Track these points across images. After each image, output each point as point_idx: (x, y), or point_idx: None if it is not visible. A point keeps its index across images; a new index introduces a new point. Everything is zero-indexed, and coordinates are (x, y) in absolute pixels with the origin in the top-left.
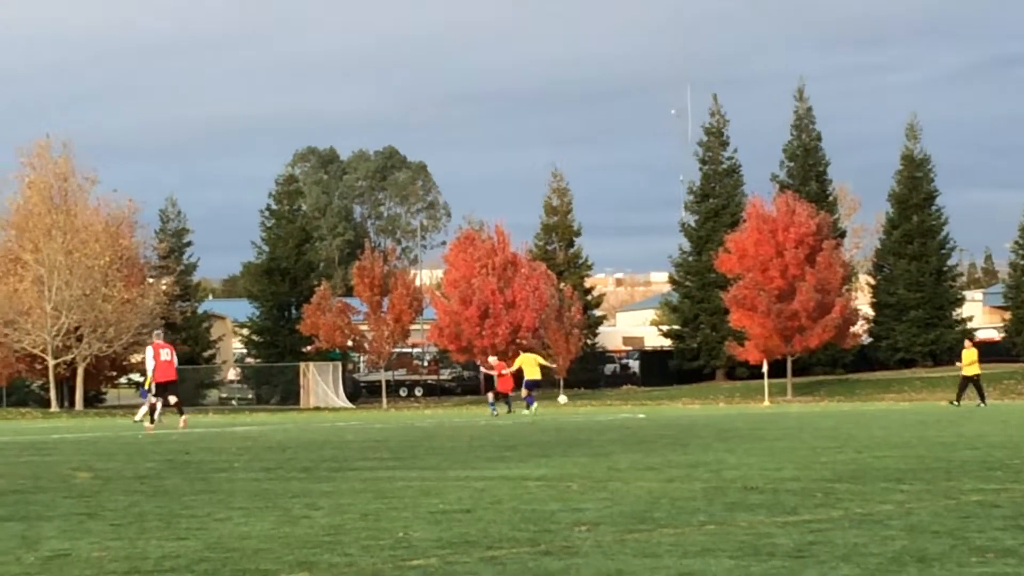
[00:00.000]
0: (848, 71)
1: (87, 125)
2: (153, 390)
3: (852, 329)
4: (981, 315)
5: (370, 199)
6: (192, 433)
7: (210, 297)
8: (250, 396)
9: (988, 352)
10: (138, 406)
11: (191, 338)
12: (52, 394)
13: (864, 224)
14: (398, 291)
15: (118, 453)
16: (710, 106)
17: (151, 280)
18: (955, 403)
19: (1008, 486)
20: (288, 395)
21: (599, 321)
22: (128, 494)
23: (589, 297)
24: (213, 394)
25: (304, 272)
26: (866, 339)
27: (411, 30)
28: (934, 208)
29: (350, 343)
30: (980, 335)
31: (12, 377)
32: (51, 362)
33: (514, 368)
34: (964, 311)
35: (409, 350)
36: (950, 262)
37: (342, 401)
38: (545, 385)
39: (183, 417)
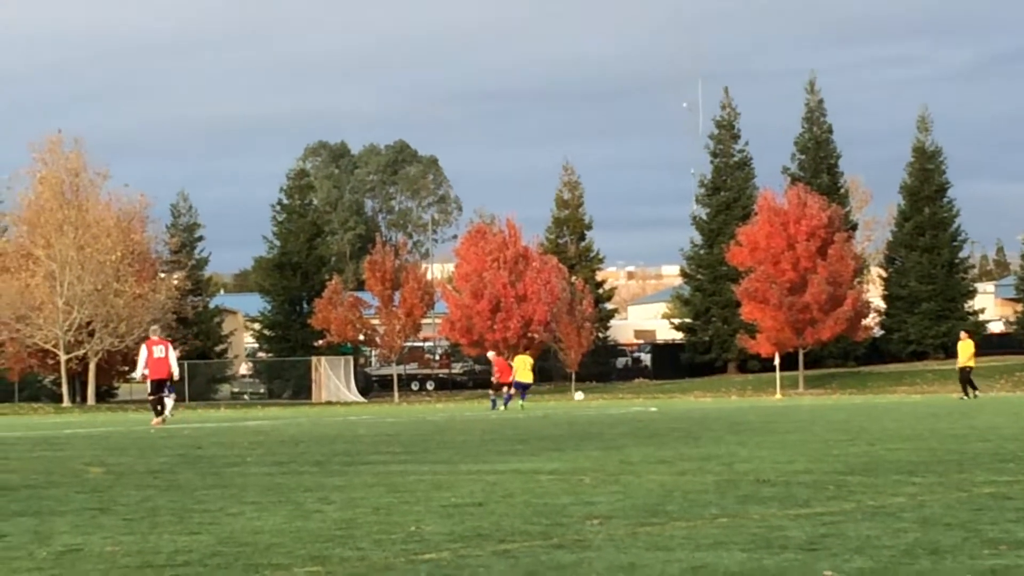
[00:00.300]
0: (859, 65)
1: (97, 123)
2: (149, 387)
3: (864, 322)
4: (993, 307)
5: (381, 193)
6: (204, 428)
7: (222, 292)
8: (262, 390)
9: (1000, 344)
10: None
11: (203, 333)
12: (64, 389)
13: (876, 216)
14: (409, 285)
15: (130, 448)
16: (721, 100)
17: (163, 275)
18: (964, 397)
19: (1021, 478)
20: (300, 389)
21: (611, 314)
22: (140, 489)
23: (600, 291)
24: (225, 389)
25: (315, 266)
26: (878, 332)
27: (422, 28)
28: (946, 200)
29: (362, 337)
30: (991, 328)
31: (24, 372)
32: (63, 357)
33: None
34: (976, 303)
35: (421, 344)
36: (962, 254)
37: (354, 395)
38: (558, 379)
39: (160, 417)
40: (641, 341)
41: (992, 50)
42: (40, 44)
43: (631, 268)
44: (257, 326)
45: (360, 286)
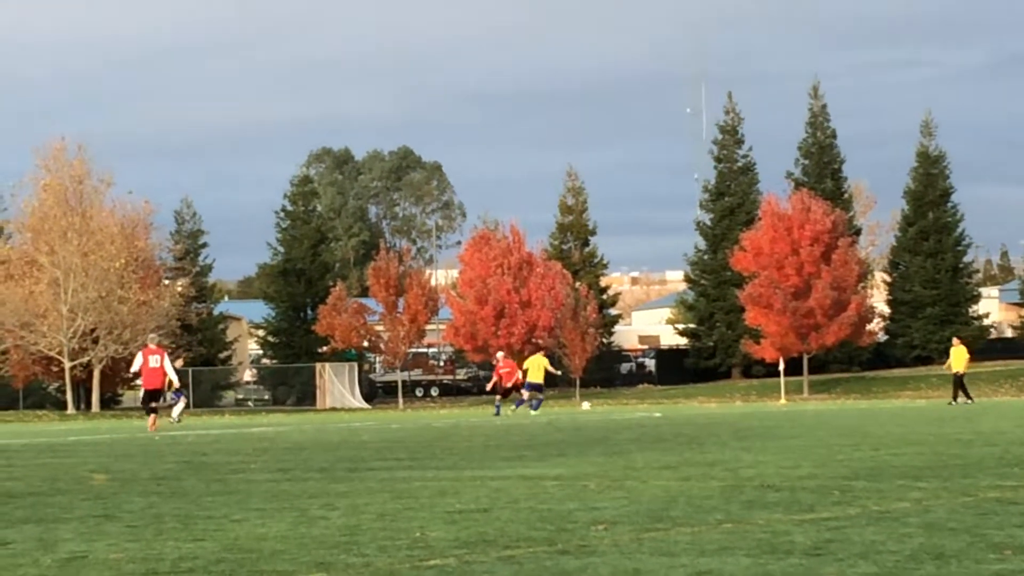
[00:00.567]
0: (863, 68)
1: (101, 129)
2: (142, 396)
3: (868, 327)
4: (997, 312)
5: (385, 199)
6: (208, 434)
7: (226, 298)
8: (266, 397)
9: (1005, 349)
10: (170, 407)
11: (207, 339)
12: (68, 396)
13: (879, 221)
14: (414, 291)
15: (135, 455)
16: (725, 104)
17: (167, 282)
18: (969, 400)
19: None
20: (304, 396)
21: (615, 320)
22: (145, 496)
23: (605, 296)
24: (229, 395)
25: (319, 273)
26: (882, 336)
27: (426, 33)
28: (949, 205)
29: (366, 343)
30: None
31: (29, 379)
32: (67, 364)
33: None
34: (980, 308)
35: (425, 350)
36: (966, 259)
37: (358, 402)
38: (563, 385)
39: (154, 422)
40: (645, 347)
41: (996, 54)
42: (44, 50)
43: (635, 274)
44: (261, 332)
45: (364, 292)
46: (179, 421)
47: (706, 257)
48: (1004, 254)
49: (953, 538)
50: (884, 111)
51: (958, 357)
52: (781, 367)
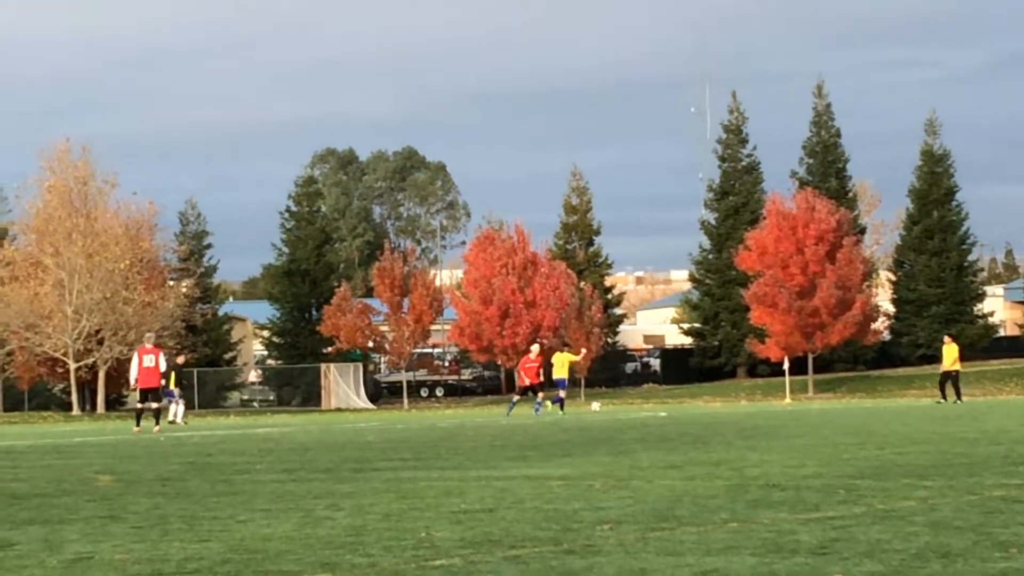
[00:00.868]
0: (867, 68)
1: (105, 131)
2: (137, 395)
3: (873, 325)
4: (1002, 310)
5: (389, 200)
6: (213, 435)
7: (230, 299)
8: (271, 398)
9: (1010, 348)
10: (164, 409)
11: (212, 340)
12: (74, 397)
13: (884, 220)
14: (418, 291)
15: (140, 456)
16: (729, 104)
17: (171, 283)
18: (958, 400)
19: None
20: (309, 396)
21: (619, 320)
22: (150, 496)
23: (609, 296)
24: (234, 396)
25: (324, 273)
26: (887, 335)
27: (430, 34)
28: (954, 203)
29: (371, 344)
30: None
31: (34, 381)
32: (72, 365)
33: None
34: (985, 306)
35: (430, 350)
36: (970, 257)
37: (363, 402)
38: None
39: (157, 427)
40: (650, 346)
41: (1001, 52)
42: (47, 52)
43: (640, 273)
44: (266, 333)
45: (369, 293)
46: (184, 423)
47: (711, 256)
48: (1008, 252)
49: (959, 537)
50: (887, 111)
51: (949, 354)
52: (786, 366)
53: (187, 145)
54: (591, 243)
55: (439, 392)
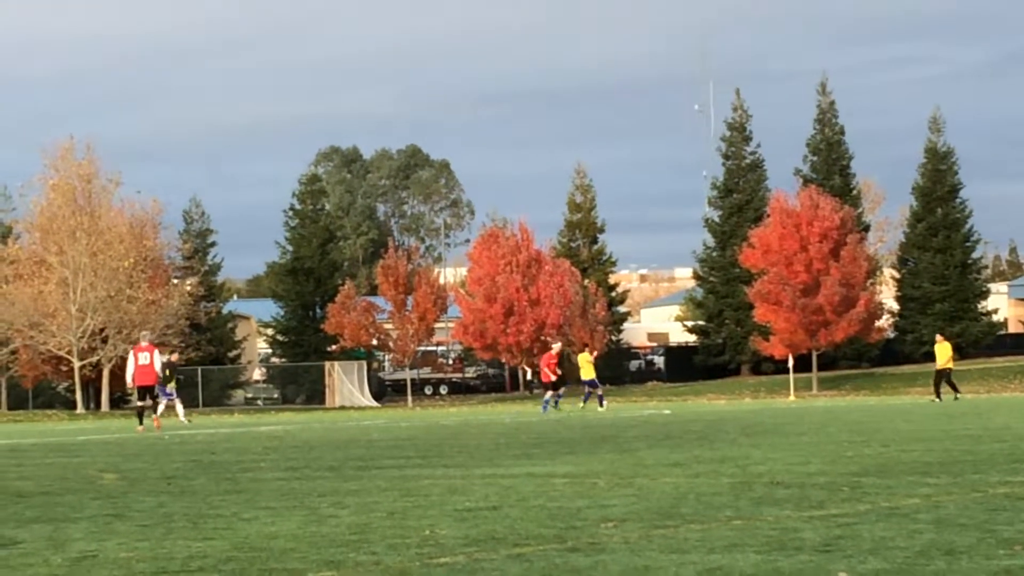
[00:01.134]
0: (870, 65)
1: (109, 129)
2: (135, 394)
3: (877, 323)
4: (1006, 308)
5: (393, 198)
6: (218, 433)
7: (235, 297)
8: (275, 396)
9: (1015, 345)
10: (167, 407)
11: (216, 339)
12: (78, 396)
13: (888, 218)
14: (422, 289)
15: (144, 454)
16: (733, 101)
17: (175, 281)
18: (945, 397)
19: None
20: (313, 394)
21: (623, 317)
22: (155, 495)
23: (613, 294)
24: (239, 394)
25: (328, 271)
26: (891, 333)
27: (433, 32)
28: (958, 201)
29: (375, 342)
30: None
31: (38, 379)
32: (76, 364)
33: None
34: (989, 304)
35: (434, 348)
36: (975, 255)
37: (367, 400)
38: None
39: (141, 426)
40: (654, 344)
41: (1004, 50)
42: (51, 51)
43: (644, 271)
44: (270, 331)
45: (373, 291)
46: (187, 421)
47: (715, 254)
48: (1013, 250)
49: (963, 534)
50: (891, 108)
51: (942, 353)
52: (790, 364)
53: (191, 143)
54: (595, 241)
55: (443, 390)
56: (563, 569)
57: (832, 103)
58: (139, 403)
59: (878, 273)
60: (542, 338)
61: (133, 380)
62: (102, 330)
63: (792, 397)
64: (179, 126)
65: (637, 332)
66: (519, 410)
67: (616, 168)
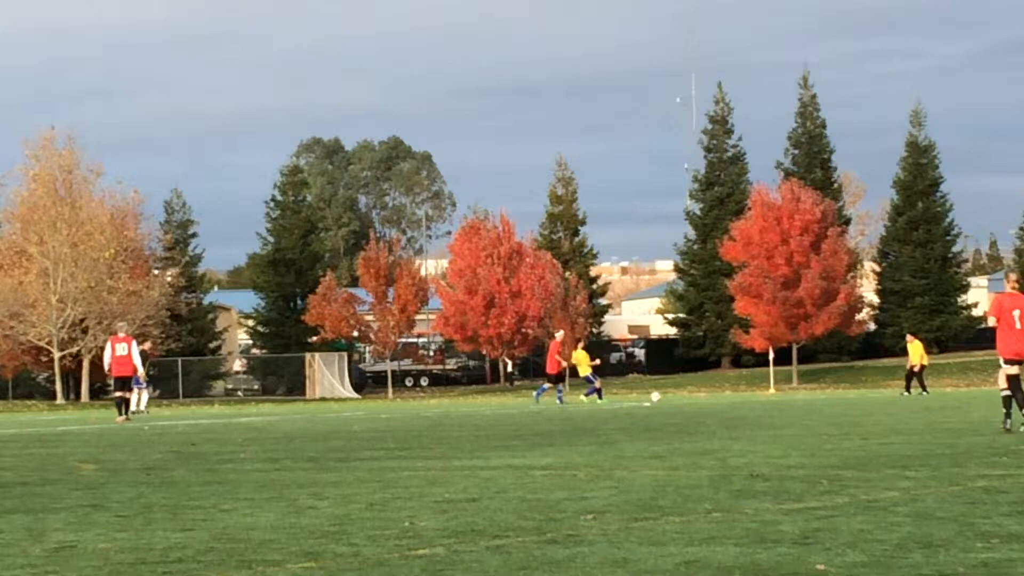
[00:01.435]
0: (852, 59)
1: (91, 118)
2: (113, 385)
3: (857, 316)
4: (986, 301)
5: (375, 189)
6: (198, 424)
7: (215, 288)
8: (256, 387)
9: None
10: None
11: (197, 329)
12: (58, 386)
13: (869, 211)
14: (403, 281)
15: (124, 445)
16: (715, 94)
17: (156, 272)
18: (907, 393)
19: (1013, 472)
20: (294, 386)
21: (604, 310)
22: (134, 486)
23: (594, 286)
24: (219, 385)
25: (309, 263)
26: (871, 326)
27: (416, 24)
28: (939, 195)
29: (356, 333)
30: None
31: (18, 370)
32: (56, 354)
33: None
34: (969, 297)
35: (415, 340)
36: (955, 248)
37: (348, 391)
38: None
39: (120, 417)
40: (635, 336)
41: (985, 44)
42: (33, 40)
43: (625, 263)
44: (251, 322)
45: (354, 282)
46: (146, 411)
47: (696, 247)
48: (993, 244)
49: (941, 527)
50: (872, 102)
51: (914, 352)
52: (771, 357)
53: (172, 134)
54: (576, 233)
55: (424, 382)
56: (542, 561)
57: (814, 96)
58: (118, 393)
59: (859, 266)
60: (522, 330)
61: (110, 370)
62: (82, 320)
63: (772, 390)
64: (161, 117)
65: (618, 324)
66: (500, 402)
67: (598, 160)
